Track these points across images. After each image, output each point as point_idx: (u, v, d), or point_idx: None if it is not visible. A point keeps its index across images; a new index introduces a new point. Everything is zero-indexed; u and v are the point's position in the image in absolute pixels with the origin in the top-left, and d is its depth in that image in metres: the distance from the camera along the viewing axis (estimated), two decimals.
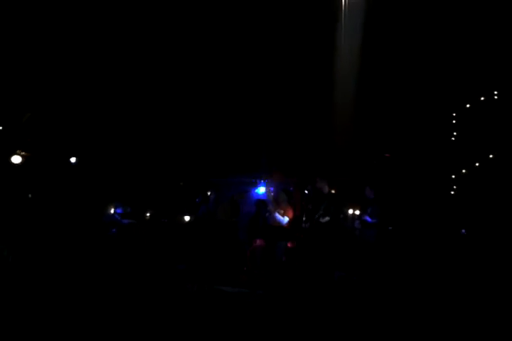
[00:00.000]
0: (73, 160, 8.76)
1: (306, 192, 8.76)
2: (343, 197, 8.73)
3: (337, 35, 8.95)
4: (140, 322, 5.35)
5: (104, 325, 5.16)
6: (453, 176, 6.70)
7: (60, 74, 8.72)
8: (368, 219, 7.72)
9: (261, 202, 8.80)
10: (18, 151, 7.99)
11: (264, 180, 10.58)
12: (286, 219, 7.95)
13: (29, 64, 8.31)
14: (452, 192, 6.61)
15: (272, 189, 10.02)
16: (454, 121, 7.04)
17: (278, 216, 7.92)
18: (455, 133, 6.94)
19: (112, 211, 9.06)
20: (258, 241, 8.47)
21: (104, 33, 8.65)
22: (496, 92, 6.76)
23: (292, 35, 9.19)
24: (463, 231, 6.30)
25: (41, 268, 7.38)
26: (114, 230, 9.05)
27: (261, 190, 10.57)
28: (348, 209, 9.05)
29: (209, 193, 10.16)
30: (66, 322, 5.12)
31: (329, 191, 7.98)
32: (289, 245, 8.36)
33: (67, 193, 8.70)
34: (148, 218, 9.80)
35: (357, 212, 8.96)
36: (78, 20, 8.34)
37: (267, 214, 8.16)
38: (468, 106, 6.97)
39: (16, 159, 7.94)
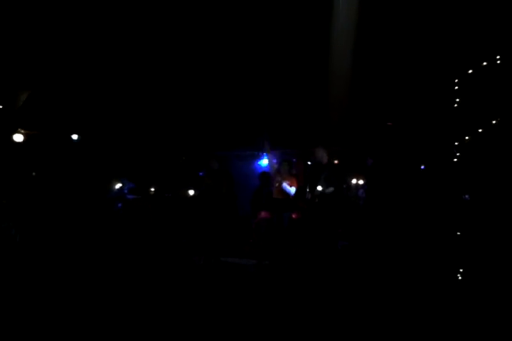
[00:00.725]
0: (75, 137, 8.76)
1: (309, 163, 8.75)
2: (345, 167, 8.73)
3: (334, 2, 8.79)
4: (147, 295, 5.45)
5: (111, 298, 5.28)
6: (456, 143, 6.66)
7: (60, 51, 8.62)
8: None
9: (265, 175, 8.81)
10: (19, 129, 7.98)
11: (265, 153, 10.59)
12: (293, 190, 7.94)
13: (28, 42, 8.21)
14: (455, 160, 6.59)
15: (274, 161, 10.03)
16: (456, 88, 6.93)
17: (286, 187, 7.88)
18: (457, 100, 6.85)
19: (120, 186, 9.09)
20: (263, 214, 8.54)
21: (101, 15, 8.54)
22: (498, 57, 6.63)
23: (287, 7, 9.01)
24: (466, 196, 6.31)
25: (48, 246, 7.49)
26: (120, 205, 9.12)
27: (264, 162, 10.58)
28: (351, 179, 9.08)
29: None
30: (74, 297, 5.25)
31: (330, 161, 7.94)
32: (293, 216, 8.43)
33: (71, 170, 8.73)
34: (152, 193, 9.86)
35: (360, 182, 8.99)
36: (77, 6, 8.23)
37: (277, 184, 8.11)
38: (470, 71, 6.85)
39: (18, 137, 7.94)
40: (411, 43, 8.12)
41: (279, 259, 7.66)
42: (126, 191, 9.26)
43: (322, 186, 7.48)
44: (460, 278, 5.94)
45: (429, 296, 5.43)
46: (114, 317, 4.65)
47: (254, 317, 4.73)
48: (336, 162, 8.98)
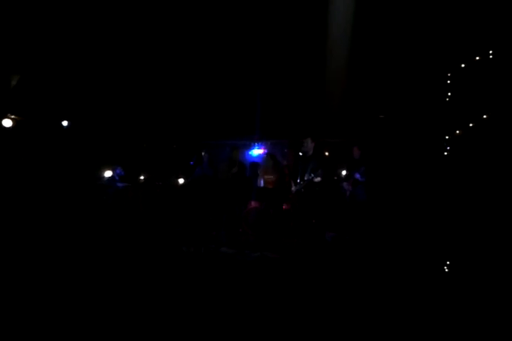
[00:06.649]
0: (65, 123, 8.67)
1: (301, 154, 8.75)
2: (334, 159, 8.74)
3: None
4: (137, 284, 5.47)
5: (100, 286, 5.30)
6: (446, 137, 6.72)
7: (51, 37, 8.48)
8: (358, 176, 7.73)
9: (253, 165, 8.81)
10: (8, 115, 7.87)
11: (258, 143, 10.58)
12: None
13: (19, 28, 8.07)
14: (446, 153, 6.65)
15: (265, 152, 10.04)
16: (448, 81, 6.98)
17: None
18: (449, 94, 6.90)
19: (111, 174, 8.98)
20: (253, 203, 8.57)
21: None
22: (491, 52, 6.68)
23: None
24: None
25: (36, 231, 7.48)
26: (110, 191, 9.05)
27: (255, 152, 10.58)
28: (342, 170, 9.09)
29: (203, 154, 10.12)
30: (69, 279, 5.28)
31: (318, 153, 7.92)
32: (284, 207, 8.46)
33: (61, 157, 8.65)
34: (142, 181, 9.81)
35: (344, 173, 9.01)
36: None
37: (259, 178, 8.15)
38: (463, 66, 6.89)
39: (7, 123, 7.83)
40: (405, 37, 8.13)
41: (270, 250, 7.68)
42: (117, 178, 9.19)
43: (308, 177, 7.49)
44: (447, 270, 6.03)
45: (420, 289, 5.49)
46: (104, 308, 4.66)
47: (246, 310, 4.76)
48: (326, 154, 8.99)
